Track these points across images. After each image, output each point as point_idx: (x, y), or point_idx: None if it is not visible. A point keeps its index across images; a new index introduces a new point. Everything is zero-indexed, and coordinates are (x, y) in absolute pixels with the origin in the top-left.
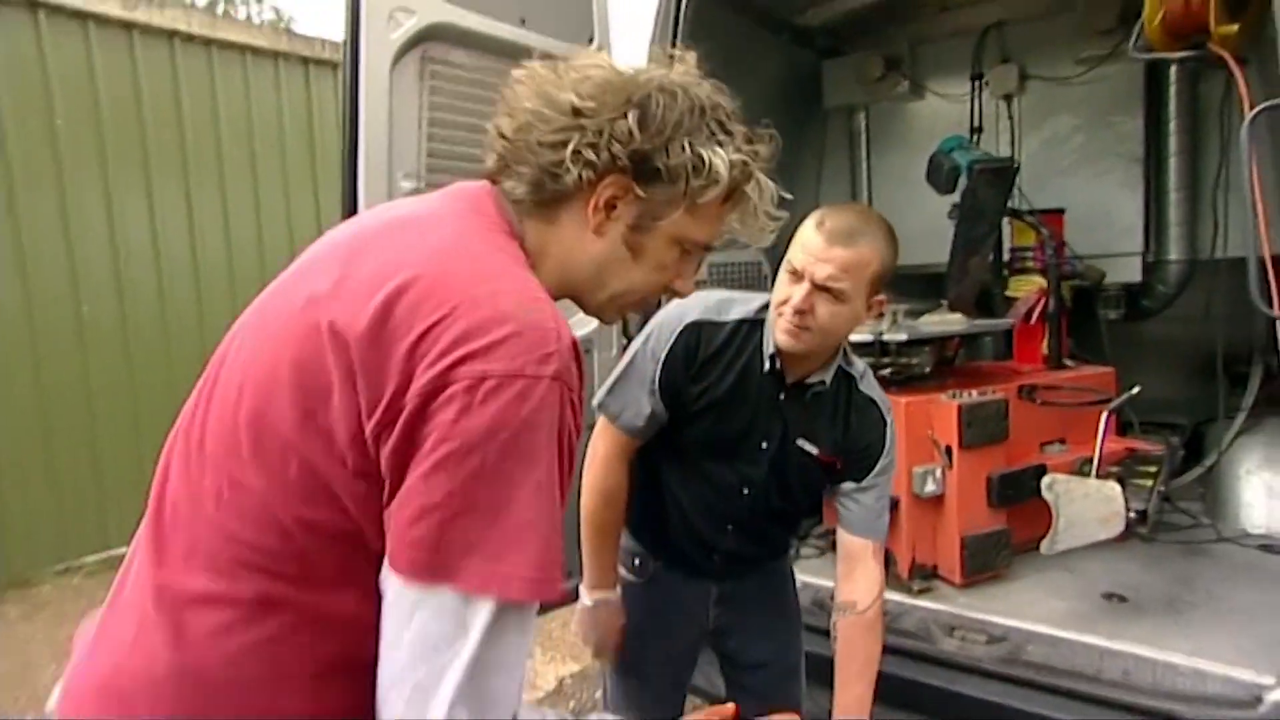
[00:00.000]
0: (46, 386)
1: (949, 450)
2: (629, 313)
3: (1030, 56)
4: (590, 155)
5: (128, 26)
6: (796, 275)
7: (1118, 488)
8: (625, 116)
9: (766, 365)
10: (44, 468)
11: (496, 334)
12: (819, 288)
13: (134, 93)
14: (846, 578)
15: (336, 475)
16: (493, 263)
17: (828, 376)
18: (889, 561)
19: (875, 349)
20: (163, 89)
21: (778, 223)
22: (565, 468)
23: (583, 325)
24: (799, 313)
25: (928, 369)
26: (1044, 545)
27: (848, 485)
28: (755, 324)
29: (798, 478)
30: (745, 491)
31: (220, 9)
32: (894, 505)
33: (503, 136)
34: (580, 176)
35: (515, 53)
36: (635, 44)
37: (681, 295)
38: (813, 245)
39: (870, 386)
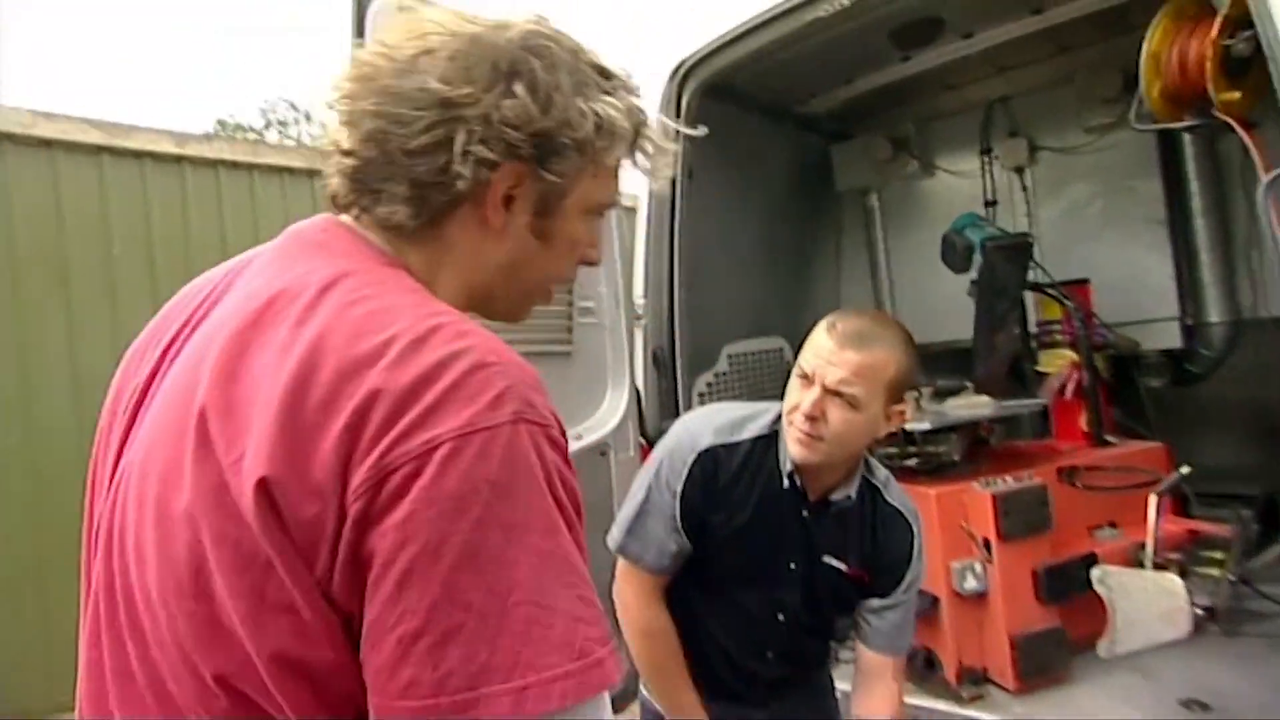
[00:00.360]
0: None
1: (987, 543)
2: (541, 304)
3: (1038, 128)
4: (482, 151)
5: (178, 160)
6: (807, 380)
7: (1178, 581)
8: (512, 93)
9: (785, 482)
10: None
11: (430, 394)
12: (831, 392)
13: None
14: (864, 695)
15: (325, 659)
16: (392, 312)
17: (852, 489)
18: (934, 665)
19: (900, 439)
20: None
21: (672, 154)
22: (569, 516)
23: (598, 428)
24: (810, 419)
25: (957, 456)
26: (1101, 648)
27: (873, 603)
28: (770, 439)
29: (829, 595)
30: (780, 618)
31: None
32: (934, 604)
33: (347, 153)
34: (478, 178)
35: None
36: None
37: (593, 264)
38: (824, 349)
39: (895, 496)
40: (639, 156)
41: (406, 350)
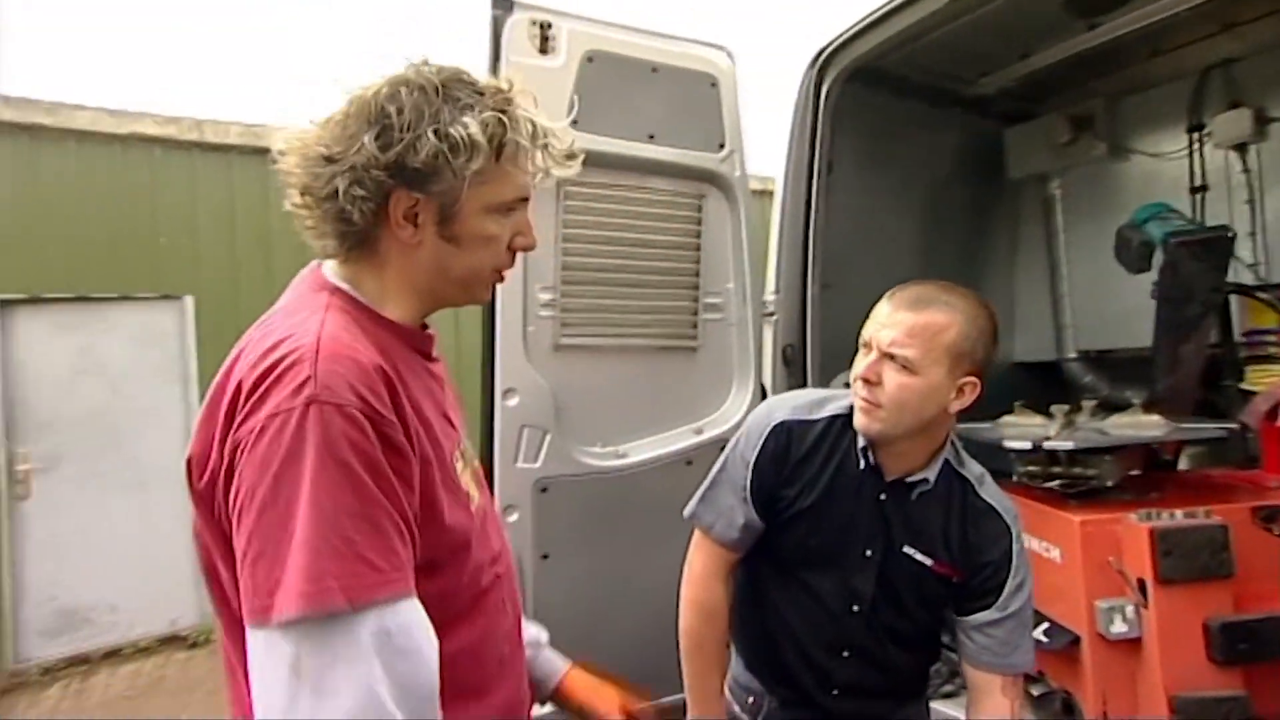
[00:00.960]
0: None
1: (1142, 585)
2: (495, 283)
3: (1269, 95)
4: (359, 191)
5: None
6: (866, 347)
7: None
8: (364, 141)
9: (861, 461)
10: None
11: (263, 386)
12: (885, 355)
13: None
14: (972, 710)
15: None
16: (284, 325)
17: (932, 474)
18: (1072, 711)
19: (1042, 458)
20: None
21: (567, 147)
22: (360, 479)
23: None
24: (865, 382)
25: (1111, 482)
26: None
27: (978, 618)
28: (849, 419)
29: (912, 592)
30: (855, 609)
31: None
32: (1075, 643)
33: (296, 207)
34: (365, 211)
35: (643, 167)
36: (774, 145)
37: (527, 249)
38: (880, 313)
39: (991, 493)
40: (538, 156)
41: (263, 355)
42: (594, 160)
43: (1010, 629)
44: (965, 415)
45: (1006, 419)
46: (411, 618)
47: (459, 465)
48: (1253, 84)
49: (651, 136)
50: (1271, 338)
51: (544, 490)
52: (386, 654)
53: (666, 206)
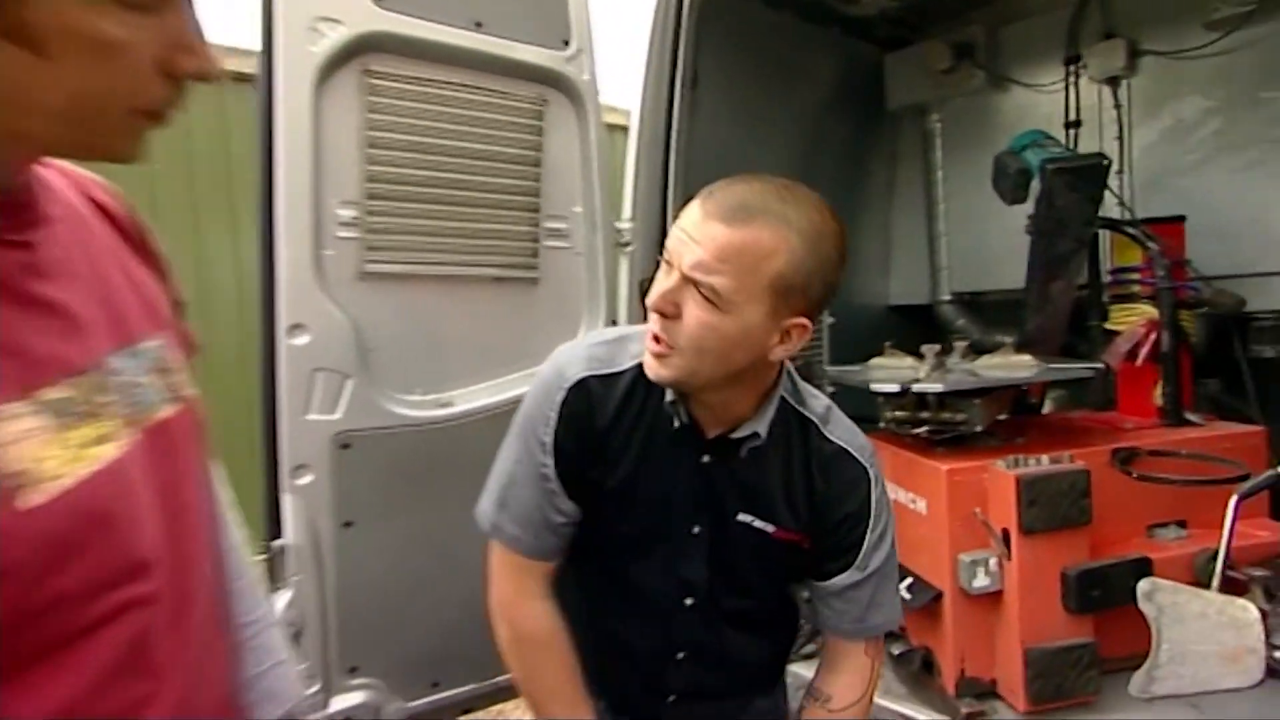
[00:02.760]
0: None
1: (1006, 535)
2: (143, 129)
3: (1142, 28)
4: None
5: None
6: (667, 263)
7: (1252, 610)
8: None
9: (674, 419)
10: None
11: None
12: (687, 280)
13: None
14: (828, 669)
15: None
16: None
17: (762, 424)
18: (931, 669)
19: (910, 402)
20: None
21: None
22: None
23: None
24: (661, 315)
25: (979, 426)
26: (1135, 683)
27: (834, 583)
28: None
29: (753, 567)
30: (688, 601)
31: None
32: (937, 599)
33: None
34: None
35: (470, 60)
36: (628, 47)
37: (198, 76)
38: (688, 218)
39: (840, 431)
40: None
41: None
42: (406, 47)
43: (873, 588)
44: (836, 357)
45: (875, 361)
46: None
47: (26, 417)
48: (1125, 15)
49: (479, 24)
50: (1135, 275)
51: (345, 446)
52: None
53: (499, 111)
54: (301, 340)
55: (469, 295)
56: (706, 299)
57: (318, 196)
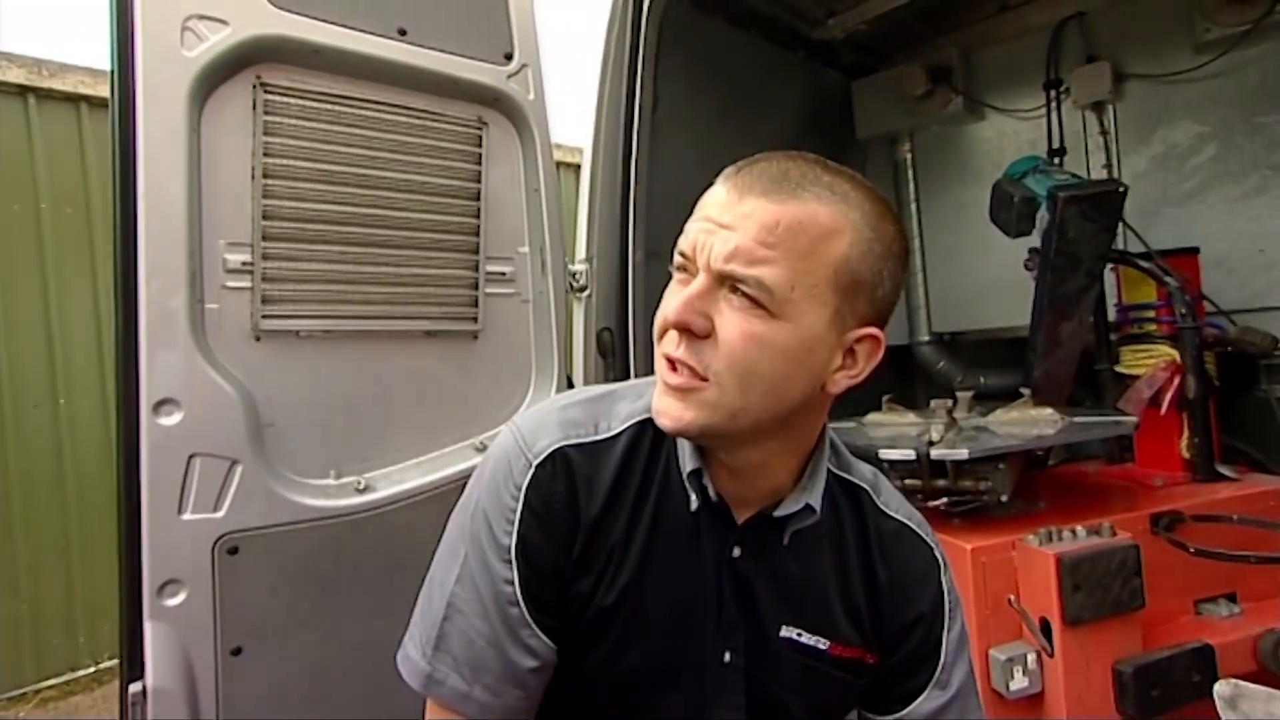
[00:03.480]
0: (15, 483)
1: (1046, 626)
2: None
3: (1127, 50)
4: None
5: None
6: (683, 269)
7: None
8: None
9: (692, 498)
10: (5, 572)
11: None
12: (720, 279)
13: None
14: None
15: None
16: None
17: (814, 496)
18: None
19: (923, 470)
20: None
21: None
22: None
23: None
24: (682, 331)
25: (1005, 496)
26: None
27: (913, 711)
28: (655, 426)
29: (804, 702)
30: None
31: None
32: None
33: None
34: None
35: (392, 75)
36: (579, 61)
37: None
38: (713, 202)
39: (895, 502)
40: None
41: None
42: (311, 57)
43: (959, 712)
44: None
45: (873, 417)
46: None
47: None
48: (1109, 37)
49: (403, 32)
50: (1151, 314)
51: (232, 551)
52: None
53: (429, 135)
54: (171, 419)
55: (394, 354)
56: (752, 300)
57: (196, 237)
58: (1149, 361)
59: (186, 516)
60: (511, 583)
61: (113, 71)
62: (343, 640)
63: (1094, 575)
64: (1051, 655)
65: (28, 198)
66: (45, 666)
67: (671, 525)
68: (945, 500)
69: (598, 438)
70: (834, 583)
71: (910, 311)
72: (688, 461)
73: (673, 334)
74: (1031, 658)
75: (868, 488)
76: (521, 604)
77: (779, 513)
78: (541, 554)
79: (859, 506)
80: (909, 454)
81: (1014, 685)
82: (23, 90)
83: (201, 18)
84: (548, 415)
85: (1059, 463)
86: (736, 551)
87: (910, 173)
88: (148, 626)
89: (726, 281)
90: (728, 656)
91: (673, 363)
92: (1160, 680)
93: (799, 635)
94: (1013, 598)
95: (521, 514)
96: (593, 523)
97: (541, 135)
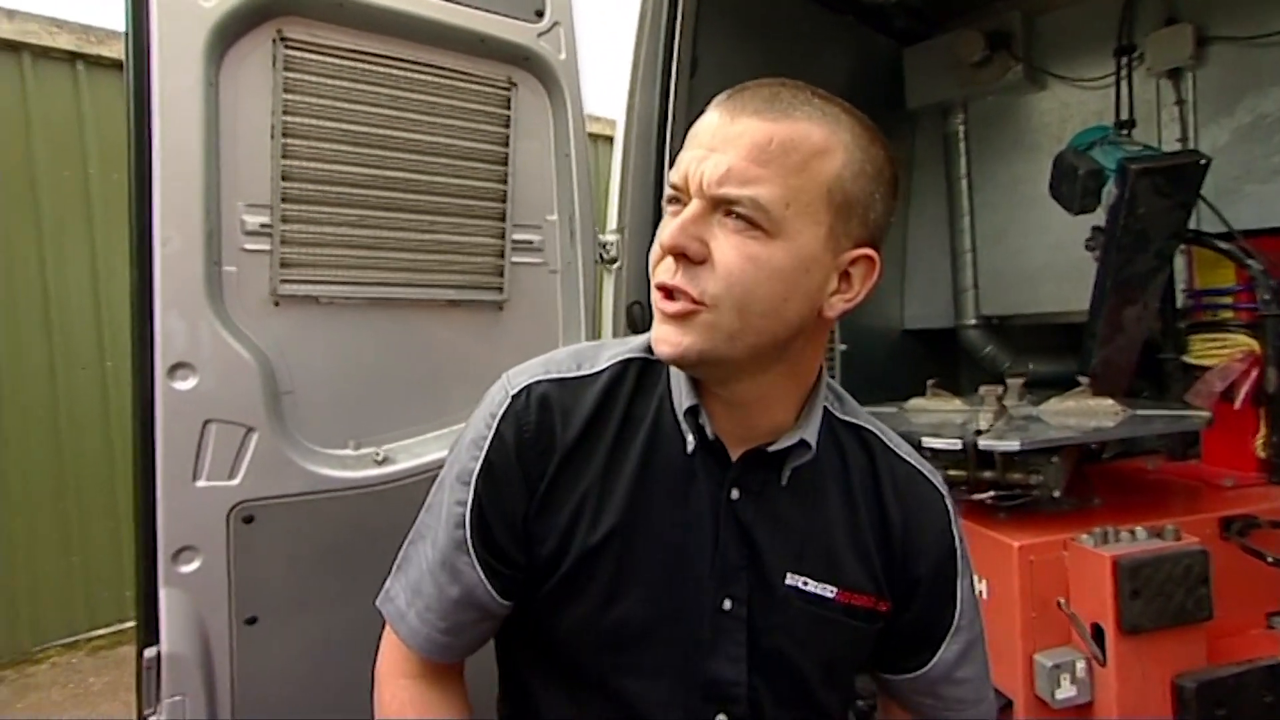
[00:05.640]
0: (66, 441)
1: (1098, 633)
2: None
3: (1211, 11)
4: None
5: None
6: (675, 200)
7: None
8: None
9: (690, 437)
10: (58, 528)
11: None
12: (714, 203)
13: None
14: None
15: None
16: None
17: (810, 432)
18: None
19: (969, 460)
20: None
21: None
22: None
23: None
24: (678, 256)
25: (1058, 491)
26: None
27: (935, 664)
28: (648, 366)
29: (812, 655)
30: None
31: None
32: (1006, 709)
33: None
34: None
35: (416, 31)
36: (613, 22)
37: None
38: (705, 127)
39: (903, 446)
40: None
41: None
42: (335, 11)
43: (979, 658)
44: (849, 392)
45: (915, 403)
46: None
47: None
48: None
49: None
50: (1227, 299)
51: (247, 520)
52: None
53: (455, 95)
54: (186, 384)
55: (417, 323)
56: (747, 221)
57: (214, 198)
58: (1223, 352)
59: (201, 483)
60: (463, 504)
61: (127, 23)
62: (359, 613)
63: (1155, 581)
64: (1104, 664)
65: (76, 163)
66: (97, 617)
67: (663, 466)
68: (991, 494)
69: (578, 374)
70: (842, 526)
71: (957, 293)
72: (684, 398)
73: (668, 261)
74: (1081, 665)
75: (876, 430)
76: (466, 527)
77: (774, 447)
78: (505, 482)
79: (868, 448)
80: (954, 443)
81: (1060, 694)
82: (72, 57)
83: None
84: (534, 360)
85: (1113, 457)
86: (735, 493)
87: (962, 145)
88: (162, 593)
89: (721, 205)
90: (727, 604)
91: (669, 291)
92: (1228, 698)
93: (805, 583)
94: (1062, 600)
95: (491, 440)
96: (566, 454)
97: (573, 97)
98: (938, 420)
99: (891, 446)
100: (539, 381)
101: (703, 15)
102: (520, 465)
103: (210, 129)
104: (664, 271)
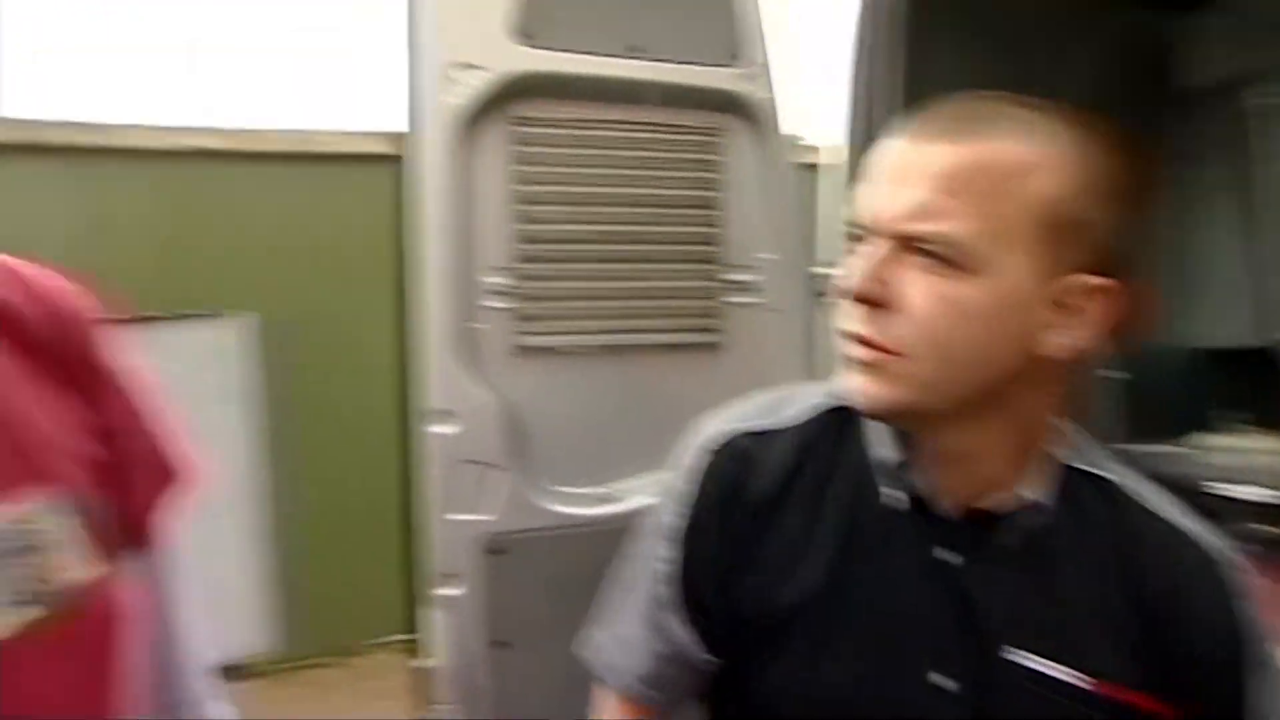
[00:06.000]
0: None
1: None
2: None
3: None
4: None
5: None
6: (855, 236)
7: None
8: None
9: (894, 492)
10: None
11: None
12: (897, 241)
13: None
14: None
15: None
16: None
17: (1036, 489)
18: None
19: None
20: None
21: None
22: None
23: None
24: (861, 301)
25: None
26: None
27: None
28: (847, 414)
29: None
30: None
31: None
32: None
33: None
34: None
35: (631, 93)
36: (824, 47)
37: None
38: (886, 160)
39: (1164, 503)
40: None
41: None
42: (557, 87)
43: None
44: (1139, 429)
45: (1209, 441)
46: None
47: None
48: None
49: (634, 49)
50: None
51: (498, 552)
52: None
53: (665, 147)
54: (447, 429)
55: (640, 367)
56: (938, 259)
57: (465, 263)
58: None
59: (456, 516)
60: (668, 561)
61: (410, 124)
62: None
63: None
64: None
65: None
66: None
67: (867, 523)
68: None
69: (776, 425)
70: (1085, 601)
71: (1257, 303)
72: (887, 450)
73: (853, 308)
74: None
75: (1118, 480)
76: (674, 585)
77: (995, 507)
78: (708, 539)
79: (1115, 507)
80: (1263, 493)
81: None
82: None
83: (460, 64)
84: (732, 410)
85: None
86: (948, 555)
87: (1265, 126)
88: (427, 614)
89: (908, 243)
90: (943, 681)
91: (858, 338)
92: None
93: (1035, 662)
94: None
95: (686, 498)
96: (768, 509)
97: (778, 135)
98: (1238, 462)
99: (1145, 504)
100: (739, 435)
101: (922, 33)
102: (722, 522)
103: (460, 205)
104: (849, 319)
